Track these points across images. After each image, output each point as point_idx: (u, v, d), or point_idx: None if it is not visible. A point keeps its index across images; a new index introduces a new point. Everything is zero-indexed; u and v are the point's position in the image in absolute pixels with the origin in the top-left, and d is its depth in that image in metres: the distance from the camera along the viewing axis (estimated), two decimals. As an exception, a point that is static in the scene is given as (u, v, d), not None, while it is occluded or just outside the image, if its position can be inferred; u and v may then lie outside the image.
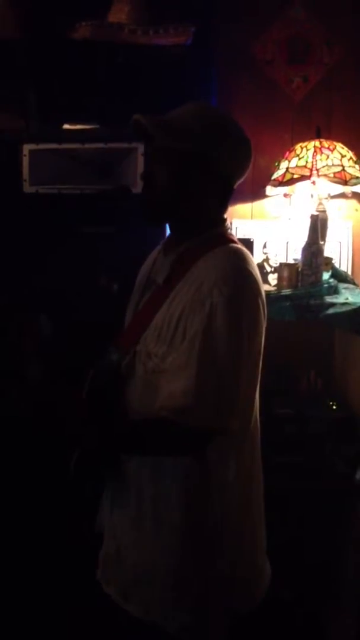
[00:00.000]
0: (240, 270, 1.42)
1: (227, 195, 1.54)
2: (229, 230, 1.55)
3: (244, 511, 1.51)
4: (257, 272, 1.47)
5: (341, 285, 2.49)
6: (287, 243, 2.75)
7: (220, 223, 1.53)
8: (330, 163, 2.46)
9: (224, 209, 1.55)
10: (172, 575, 1.46)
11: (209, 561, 1.47)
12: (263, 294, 1.47)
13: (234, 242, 1.50)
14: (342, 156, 2.49)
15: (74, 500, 1.65)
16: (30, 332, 1.57)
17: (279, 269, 2.52)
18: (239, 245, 1.49)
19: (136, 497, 1.49)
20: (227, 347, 1.36)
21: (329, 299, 2.38)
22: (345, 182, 2.46)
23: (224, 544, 1.48)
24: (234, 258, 1.44)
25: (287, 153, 2.59)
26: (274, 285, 2.57)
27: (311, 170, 2.46)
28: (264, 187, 2.65)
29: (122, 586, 1.53)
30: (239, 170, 1.53)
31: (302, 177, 2.49)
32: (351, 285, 2.53)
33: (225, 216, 1.56)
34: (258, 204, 2.79)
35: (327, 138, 2.57)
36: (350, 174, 2.46)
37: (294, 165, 2.50)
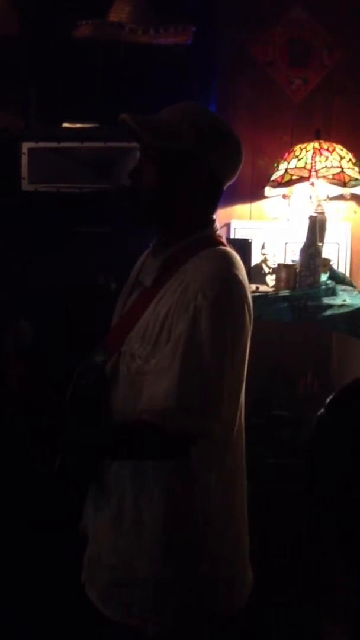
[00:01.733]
0: (226, 274, 1.41)
1: (216, 196, 1.52)
2: (218, 232, 1.53)
3: (226, 515, 1.50)
4: (244, 275, 1.46)
5: (339, 287, 2.49)
6: (286, 244, 2.75)
7: (209, 224, 1.52)
8: (329, 165, 2.46)
9: (213, 209, 1.54)
10: (152, 579, 1.45)
11: (190, 565, 1.46)
12: (249, 297, 1.47)
13: (222, 244, 1.49)
14: (341, 158, 2.49)
15: (57, 503, 1.64)
16: (10, 337, 1.56)
17: (277, 270, 2.52)
18: (227, 248, 1.48)
19: (117, 499, 1.48)
20: (210, 351, 1.35)
21: (326, 301, 2.39)
22: (344, 184, 2.46)
23: (205, 548, 1.47)
24: (220, 261, 1.43)
25: (287, 154, 2.59)
26: (272, 286, 2.57)
27: (310, 171, 2.46)
28: (262, 188, 2.65)
29: (101, 589, 1.52)
30: (229, 170, 1.51)
31: (301, 179, 2.49)
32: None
33: (215, 217, 1.54)
34: (257, 205, 2.79)
35: (327, 140, 2.57)
36: (349, 175, 2.46)
37: (293, 166, 2.51)
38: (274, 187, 2.58)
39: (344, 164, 2.48)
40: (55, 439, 1.40)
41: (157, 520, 1.44)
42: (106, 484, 1.50)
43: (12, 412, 1.39)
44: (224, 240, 1.52)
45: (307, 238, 2.43)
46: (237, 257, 1.47)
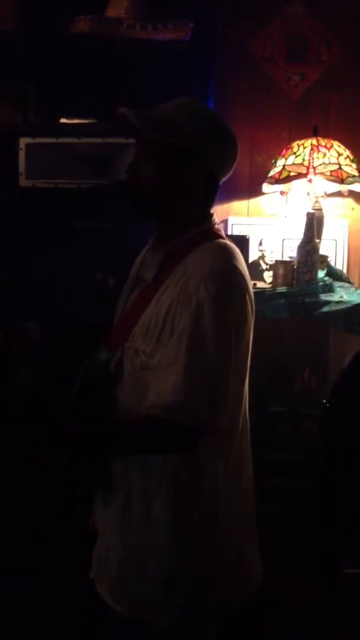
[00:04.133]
0: (227, 266, 1.42)
1: (213, 191, 1.52)
2: (216, 226, 1.54)
3: (233, 507, 1.50)
4: (244, 267, 1.47)
5: (336, 284, 2.49)
6: (283, 241, 2.75)
7: (207, 219, 1.52)
8: (327, 161, 2.46)
9: (210, 204, 1.54)
10: (162, 572, 1.45)
11: (199, 557, 1.46)
12: (250, 289, 1.47)
13: (221, 237, 1.50)
14: (339, 154, 2.50)
15: (66, 500, 1.64)
16: (19, 337, 1.56)
17: (275, 266, 2.52)
18: (226, 241, 1.49)
19: (125, 494, 1.48)
20: (215, 343, 1.35)
21: (323, 297, 2.39)
22: (341, 181, 2.47)
23: (214, 540, 1.47)
24: (220, 254, 1.44)
25: (284, 150, 2.59)
26: (269, 283, 2.57)
27: (308, 168, 2.46)
28: (260, 184, 2.66)
29: (110, 584, 1.52)
30: (226, 165, 1.52)
31: (299, 175, 2.49)
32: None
33: (212, 211, 1.54)
34: (254, 202, 2.79)
35: (325, 136, 2.57)
36: (346, 172, 2.47)
37: (291, 162, 2.51)
38: (271, 183, 2.58)
39: (342, 160, 2.48)
40: (63, 436, 1.40)
41: (165, 513, 1.44)
42: (113, 479, 1.50)
43: (20, 411, 1.39)
44: (222, 233, 1.52)
45: (305, 235, 2.43)
46: (236, 250, 1.48)
